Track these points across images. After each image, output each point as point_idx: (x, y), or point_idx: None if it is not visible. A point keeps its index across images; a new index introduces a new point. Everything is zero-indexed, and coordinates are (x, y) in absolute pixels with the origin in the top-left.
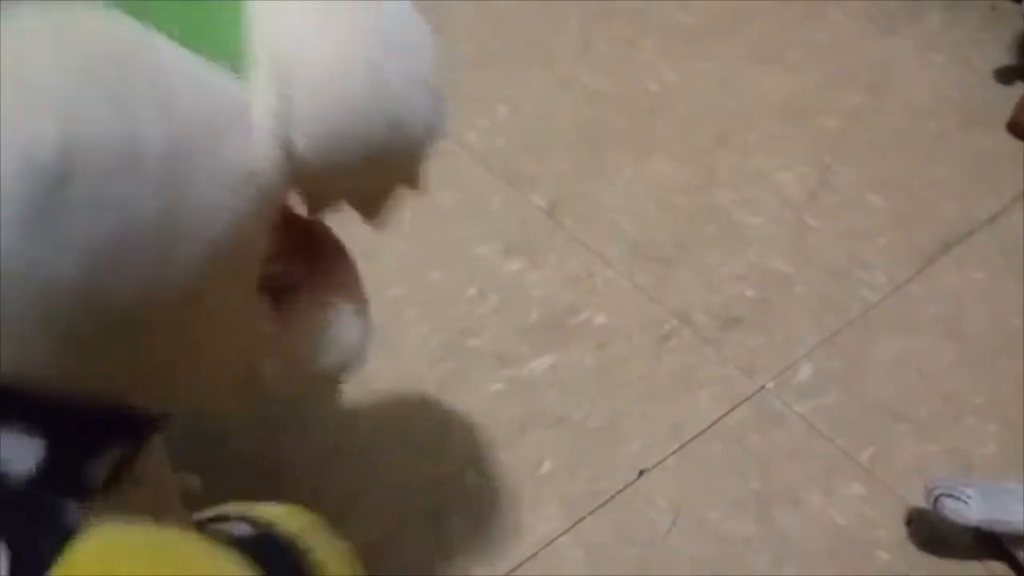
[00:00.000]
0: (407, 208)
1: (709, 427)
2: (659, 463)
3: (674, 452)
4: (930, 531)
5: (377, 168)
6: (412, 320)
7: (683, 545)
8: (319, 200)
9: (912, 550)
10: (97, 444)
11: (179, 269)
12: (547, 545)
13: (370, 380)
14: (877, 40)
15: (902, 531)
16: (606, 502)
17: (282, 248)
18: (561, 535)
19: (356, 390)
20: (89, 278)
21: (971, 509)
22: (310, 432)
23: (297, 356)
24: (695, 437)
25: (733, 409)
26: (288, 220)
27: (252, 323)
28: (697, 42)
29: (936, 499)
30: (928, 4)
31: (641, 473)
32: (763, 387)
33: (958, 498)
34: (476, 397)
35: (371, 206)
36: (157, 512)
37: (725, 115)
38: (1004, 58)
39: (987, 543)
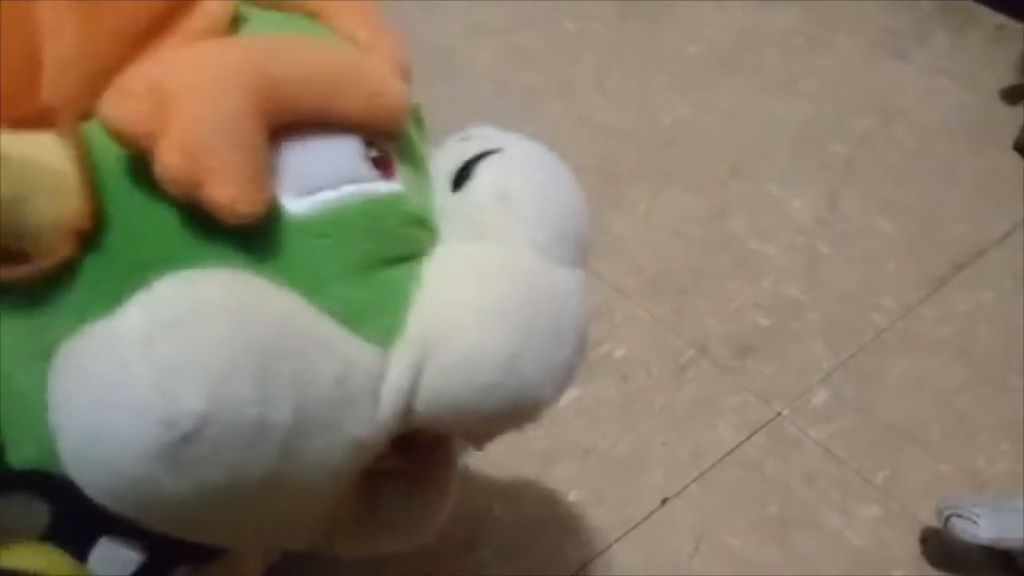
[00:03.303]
0: None
1: (728, 454)
2: (681, 491)
3: (695, 480)
4: (944, 550)
5: (490, 426)
6: None
7: (706, 571)
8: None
9: (927, 568)
10: (180, 559)
11: (281, 501)
12: (575, 574)
13: None
14: (885, 64)
15: (917, 550)
16: (631, 530)
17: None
18: (589, 563)
19: None
20: (205, 503)
21: (980, 528)
22: None
23: (372, 530)
24: (715, 464)
25: (751, 436)
26: None
27: (341, 503)
28: (708, 74)
29: (947, 519)
30: (934, 26)
31: (664, 501)
32: (779, 413)
33: (967, 518)
34: None
35: (479, 441)
36: None
37: (737, 145)
38: (1010, 78)
39: (1000, 560)
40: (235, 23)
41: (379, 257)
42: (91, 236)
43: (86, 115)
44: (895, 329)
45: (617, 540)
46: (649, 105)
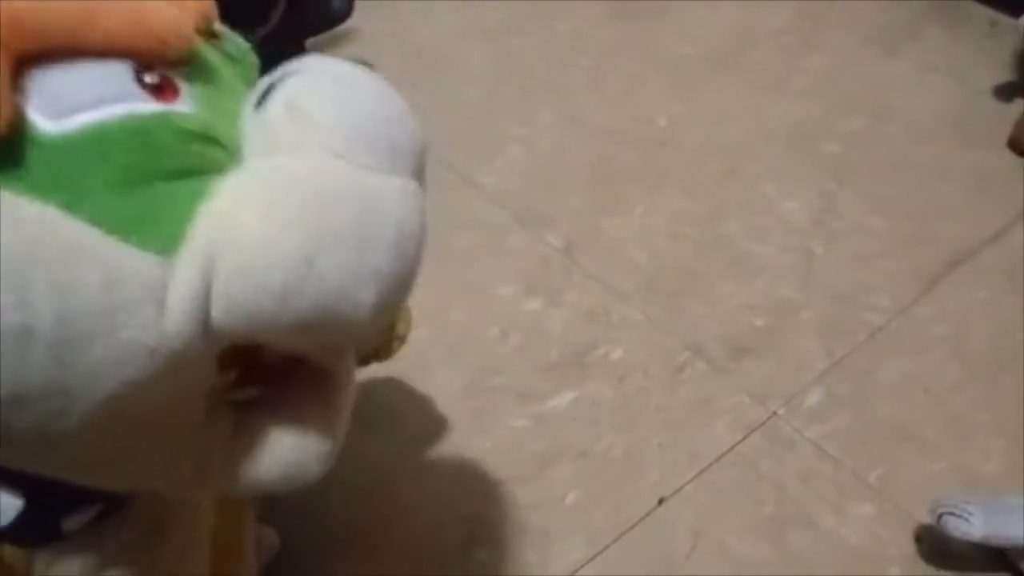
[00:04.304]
0: (428, 250)
1: (724, 454)
2: (677, 491)
3: (691, 480)
4: (939, 547)
5: (314, 338)
6: (437, 361)
7: (703, 570)
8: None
9: (922, 566)
10: (72, 504)
11: (77, 414)
12: (573, 574)
13: (398, 421)
14: (878, 62)
15: (911, 548)
16: (628, 530)
17: (243, 367)
18: (586, 564)
19: (387, 431)
20: (10, 424)
21: (973, 526)
22: (343, 470)
23: (244, 464)
24: (711, 465)
25: (747, 436)
26: (246, 348)
27: (198, 433)
28: (702, 74)
29: (940, 517)
30: (928, 22)
31: (661, 501)
32: (775, 413)
33: (960, 516)
34: (501, 434)
35: (327, 360)
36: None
37: (732, 145)
38: (1003, 75)
39: (994, 556)
40: None
41: (151, 171)
42: None
43: None
44: (889, 328)
45: (615, 540)
46: (644, 106)
